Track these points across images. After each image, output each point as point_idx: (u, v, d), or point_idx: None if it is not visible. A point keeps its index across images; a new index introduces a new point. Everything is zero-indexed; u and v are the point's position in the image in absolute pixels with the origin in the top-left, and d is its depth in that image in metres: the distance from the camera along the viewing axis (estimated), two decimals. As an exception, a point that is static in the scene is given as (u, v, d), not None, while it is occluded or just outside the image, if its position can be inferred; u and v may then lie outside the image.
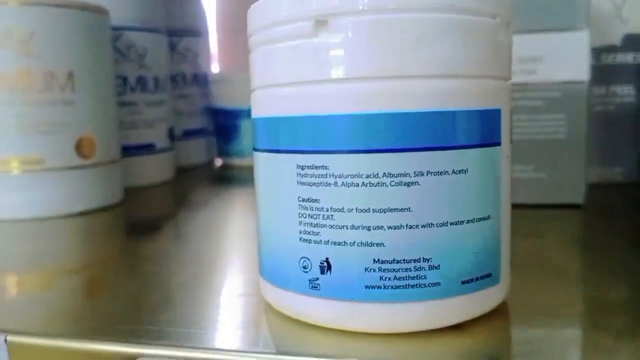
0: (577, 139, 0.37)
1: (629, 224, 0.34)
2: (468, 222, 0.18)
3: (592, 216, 0.36)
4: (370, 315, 0.18)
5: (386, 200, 0.17)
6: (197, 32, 0.65)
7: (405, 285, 0.17)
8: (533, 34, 0.37)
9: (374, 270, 0.17)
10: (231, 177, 0.60)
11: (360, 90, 0.17)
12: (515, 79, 0.37)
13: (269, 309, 0.20)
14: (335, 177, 0.17)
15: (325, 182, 0.17)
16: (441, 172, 0.17)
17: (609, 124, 0.45)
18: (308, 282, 0.18)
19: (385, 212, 0.17)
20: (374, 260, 0.17)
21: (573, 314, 0.20)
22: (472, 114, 0.17)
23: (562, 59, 0.36)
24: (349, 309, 0.18)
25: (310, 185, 0.18)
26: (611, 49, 0.44)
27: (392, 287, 0.17)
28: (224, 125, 0.64)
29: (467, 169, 0.17)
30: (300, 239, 0.18)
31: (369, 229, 0.17)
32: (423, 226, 0.17)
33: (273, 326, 0.19)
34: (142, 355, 0.17)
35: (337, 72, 0.17)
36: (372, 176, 0.17)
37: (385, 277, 0.17)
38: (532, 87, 0.37)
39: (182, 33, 0.62)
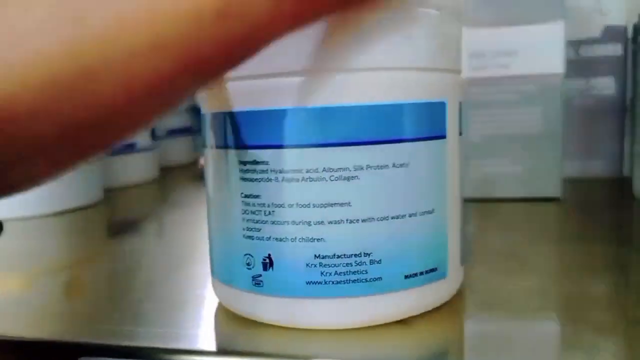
0: (553, 132, 0.36)
1: (606, 218, 0.34)
2: (410, 216, 0.17)
3: (570, 210, 0.36)
4: (313, 312, 0.17)
5: (326, 195, 0.17)
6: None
7: (347, 280, 0.17)
8: (507, 27, 0.36)
9: (315, 266, 0.17)
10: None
11: (299, 84, 0.17)
12: (490, 72, 0.37)
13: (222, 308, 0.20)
14: (276, 172, 0.17)
15: (266, 177, 0.17)
16: (381, 166, 0.17)
17: (589, 117, 0.44)
18: (252, 279, 0.18)
19: (325, 207, 0.17)
20: (315, 255, 0.17)
21: (535, 308, 0.20)
22: (413, 107, 0.17)
23: (537, 51, 0.36)
24: (292, 305, 0.17)
25: (252, 181, 0.17)
26: (590, 41, 0.44)
27: (333, 282, 0.17)
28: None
29: (407, 163, 0.17)
30: (244, 236, 0.18)
31: (309, 224, 0.17)
32: (363, 221, 0.17)
33: (221, 325, 0.19)
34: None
35: (276, 67, 0.17)
36: (311, 171, 0.17)
37: (327, 273, 0.17)
38: (507, 81, 0.37)
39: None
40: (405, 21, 0.17)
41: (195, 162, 0.67)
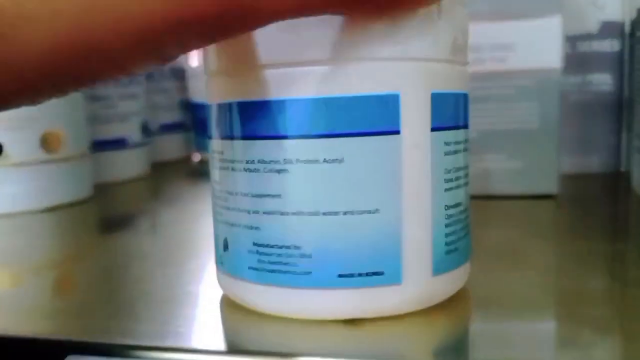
0: (550, 128, 0.36)
1: (604, 213, 0.34)
2: (345, 213, 0.17)
3: (567, 206, 0.35)
4: (253, 295, 0.18)
5: (260, 187, 0.17)
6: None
7: (278, 270, 0.17)
8: (504, 21, 0.36)
9: (254, 253, 0.17)
10: (209, 172, 0.59)
11: (242, 79, 0.17)
12: (487, 67, 0.36)
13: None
14: (227, 162, 0.18)
15: (222, 166, 0.18)
16: (311, 161, 0.16)
17: (585, 113, 0.44)
18: (219, 258, 0.19)
19: (260, 197, 0.17)
20: (253, 243, 0.17)
21: (532, 304, 0.19)
22: (352, 100, 0.16)
23: (534, 46, 0.36)
24: (240, 285, 0.18)
25: (216, 169, 0.19)
26: (587, 36, 0.44)
27: (267, 270, 0.17)
28: (202, 119, 0.63)
29: (342, 158, 0.16)
30: (215, 219, 0.20)
31: (249, 212, 0.17)
32: (293, 214, 0.17)
33: (213, 322, 0.19)
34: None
35: (219, 64, 0.18)
36: (249, 162, 0.17)
37: (262, 260, 0.17)
38: (504, 76, 0.36)
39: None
40: None
41: (188, 158, 0.66)
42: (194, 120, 0.65)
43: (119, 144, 0.51)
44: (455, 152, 0.18)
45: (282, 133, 0.17)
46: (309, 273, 0.17)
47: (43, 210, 0.39)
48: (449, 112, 0.18)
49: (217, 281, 0.20)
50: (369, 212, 0.17)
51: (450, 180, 0.18)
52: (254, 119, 0.17)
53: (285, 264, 0.17)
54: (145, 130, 0.55)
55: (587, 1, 0.43)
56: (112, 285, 0.23)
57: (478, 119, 0.37)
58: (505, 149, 0.37)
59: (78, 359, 0.16)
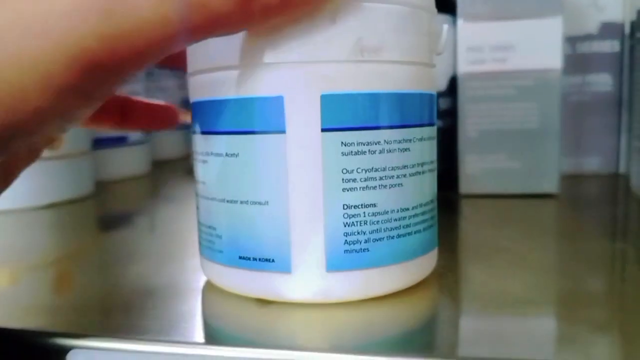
0: (550, 128, 0.36)
1: (603, 214, 0.34)
2: (242, 203, 0.19)
3: (567, 206, 0.35)
4: (205, 270, 0.21)
5: (197, 174, 0.20)
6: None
7: (206, 246, 0.20)
8: (505, 21, 0.36)
9: (199, 230, 0.21)
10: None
11: (190, 84, 0.20)
12: (488, 67, 0.37)
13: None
14: (195, 154, 0.21)
15: (196, 158, 0.21)
16: (218, 154, 0.19)
17: (585, 114, 0.44)
18: None
19: (197, 183, 0.21)
20: (197, 221, 0.21)
21: (531, 304, 0.19)
22: (245, 102, 0.18)
23: (535, 46, 0.36)
24: (201, 260, 0.22)
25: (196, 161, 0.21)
26: (587, 37, 0.44)
27: (203, 246, 0.21)
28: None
29: (237, 154, 0.18)
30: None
31: (196, 195, 0.21)
32: (211, 199, 0.20)
33: (212, 317, 0.19)
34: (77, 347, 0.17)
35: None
36: (197, 153, 0.20)
37: (201, 237, 0.21)
38: (505, 76, 0.36)
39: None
40: None
41: (188, 157, 0.66)
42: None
43: (119, 141, 0.51)
44: (363, 152, 0.18)
45: (205, 129, 0.19)
46: (221, 252, 0.20)
47: (43, 207, 0.39)
48: (351, 113, 0.18)
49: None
50: (260, 203, 0.18)
51: (352, 180, 0.18)
52: (194, 116, 0.20)
53: (210, 241, 0.20)
54: (146, 128, 0.55)
55: (587, 2, 0.43)
56: (112, 282, 0.23)
57: (479, 118, 0.37)
58: (505, 149, 0.37)
59: (81, 354, 0.16)
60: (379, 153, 0.18)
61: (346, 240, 0.18)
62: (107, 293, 0.22)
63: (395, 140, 0.18)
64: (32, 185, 0.39)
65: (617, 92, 0.44)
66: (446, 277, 0.22)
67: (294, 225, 0.18)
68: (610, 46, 0.44)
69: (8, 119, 0.14)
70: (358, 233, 0.18)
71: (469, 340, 0.17)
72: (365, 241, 0.18)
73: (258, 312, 0.19)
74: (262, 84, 0.18)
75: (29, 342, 0.17)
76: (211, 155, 0.19)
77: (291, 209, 0.18)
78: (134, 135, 0.53)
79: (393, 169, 0.19)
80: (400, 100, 0.19)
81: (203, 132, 0.19)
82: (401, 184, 0.19)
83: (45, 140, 0.21)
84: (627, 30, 0.43)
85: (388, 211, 0.19)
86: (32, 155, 0.21)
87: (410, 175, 0.19)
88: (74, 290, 0.23)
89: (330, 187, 0.18)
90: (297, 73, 0.18)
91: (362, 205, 0.18)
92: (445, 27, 0.21)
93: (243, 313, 0.19)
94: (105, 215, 0.40)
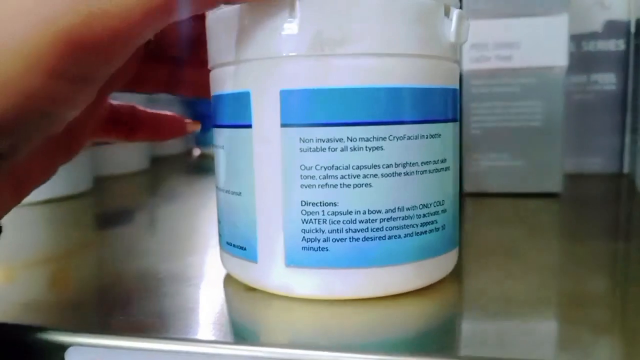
0: (553, 126, 0.36)
1: (607, 214, 0.34)
2: (226, 192, 0.20)
3: (570, 206, 0.35)
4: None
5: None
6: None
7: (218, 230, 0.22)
8: (510, 18, 0.36)
9: None
10: (209, 167, 0.59)
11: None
12: (492, 64, 0.36)
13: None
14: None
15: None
16: (216, 146, 0.21)
17: (589, 113, 0.44)
18: None
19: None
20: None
21: (533, 304, 0.19)
22: (225, 98, 0.19)
23: (539, 44, 0.36)
24: None
25: None
26: (592, 35, 0.43)
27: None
28: (203, 113, 0.63)
29: (223, 146, 0.20)
30: None
31: None
32: (217, 187, 0.21)
33: (213, 315, 0.18)
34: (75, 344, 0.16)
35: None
36: (214, 145, 0.21)
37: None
38: (508, 73, 0.36)
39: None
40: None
41: (188, 153, 0.66)
42: (194, 115, 0.64)
43: (118, 137, 0.51)
44: (322, 149, 0.18)
45: (213, 122, 0.21)
46: (221, 236, 0.21)
47: (41, 203, 0.39)
48: (310, 109, 0.18)
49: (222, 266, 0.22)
50: (237, 193, 0.19)
51: (311, 177, 0.18)
52: (214, 111, 0.21)
53: (219, 226, 0.21)
54: (145, 124, 0.55)
55: (593, 0, 0.43)
56: (111, 280, 0.23)
57: (482, 116, 0.37)
58: (509, 147, 0.36)
59: (80, 351, 0.16)
60: (341, 151, 0.17)
61: (304, 237, 0.18)
62: (105, 290, 0.22)
63: (361, 138, 0.18)
64: (30, 180, 0.39)
65: (621, 91, 0.43)
66: (447, 275, 0.21)
67: (260, 218, 0.19)
68: (615, 45, 0.43)
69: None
70: (316, 231, 0.18)
71: (469, 341, 0.17)
72: (324, 240, 0.18)
73: (246, 300, 0.19)
74: (233, 81, 0.19)
75: (27, 338, 0.17)
76: (217, 146, 0.21)
77: (257, 202, 0.19)
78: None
79: (359, 167, 0.18)
80: (369, 95, 0.18)
81: (213, 125, 0.21)
82: (369, 185, 0.18)
83: (52, 146, 0.21)
84: (632, 29, 0.43)
85: (351, 212, 0.18)
86: (46, 171, 0.21)
87: (383, 175, 0.18)
88: (72, 287, 0.23)
89: (289, 182, 0.18)
90: (260, 69, 0.18)
91: (320, 203, 0.18)
92: (456, 12, 0.19)
93: (240, 305, 0.19)
94: (103, 212, 0.40)
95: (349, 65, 0.17)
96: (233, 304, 0.20)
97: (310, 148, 0.18)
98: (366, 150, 0.18)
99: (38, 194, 0.39)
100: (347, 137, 0.17)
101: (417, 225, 0.19)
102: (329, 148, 0.17)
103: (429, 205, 0.19)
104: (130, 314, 0.18)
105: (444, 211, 0.19)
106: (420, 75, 0.18)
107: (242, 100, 0.19)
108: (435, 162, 0.19)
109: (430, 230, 0.19)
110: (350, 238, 0.18)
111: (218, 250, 0.22)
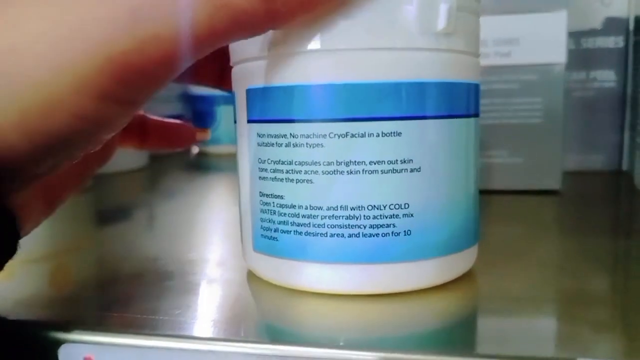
0: (553, 123, 0.36)
1: (606, 211, 0.34)
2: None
3: (569, 203, 0.35)
4: None
5: None
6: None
7: None
8: (509, 14, 0.35)
9: None
10: (207, 165, 0.59)
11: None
12: (491, 61, 0.36)
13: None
14: None
15: None
16: None
17: (589, 110, 0.44)
18: None
19: None
20: None
21: (532, 302, 0.19)
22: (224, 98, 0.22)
23: (539, 40, 0.35)
24: None
25: None
26: (592, 32, 0.43)
27: None
28: (200, 111, 0.63)
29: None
30: None
31: None
32: None
33: (210, 312, 0.18)
34: (67, 341, 0.16)
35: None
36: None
37: None
38: (508, 70, 0.36)
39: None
40: None
41: (186, 151, 0.66)
42: (193, 113, 0.64)
43: (117, 134, 0.50)
44: (271, 144, 0.18)
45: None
46: None
47: (39, 200, 0.39)
48: (264, 106, 0.18)
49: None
50: (239, 183, 0.21)
51: (265, 170, 0.19)
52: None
53: None
54: (144, 121, 0.54)
55: (592, -3, 0.43)
56: (108, 277, 0.23)
57: (481, 113, 0.36)
58: (508, 144, 0.36)
59: (73, 347, 0.16)
60: (285, 146, 0.18)
61: (262, 226, 0.19)
62: (102, 286, 0.22)
63: (302, 135, 0.18)
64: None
65: (620, 89, 0.43)
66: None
67: (242, 205, 0.21)
68: (615, 42, 0.43)
69: (45, 125, 0.14)
70: (269, 221, 0.19)
71: (473, 338, 0.17)
72: (275, 230, 0.19)
73: (246, 297, 0.20)
74: (232, 83, 0.20)
75: (19, 334, 0.17)
76: None
77: (241, 190, 0.20)
78: (132, 128, 0.52)
79: (300, 163, 0.18)
80: (308, 92, 0.17)
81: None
82: (310, 181, 0.18)
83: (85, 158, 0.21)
84: (631, 26, 0.42)
85: (295, 205, 0.18)
86: (78, 182, 0.22)
87: (324, 172, 0.17)
88: (69, 283, 0.22)
89: (252, 174, 0.19)
90: (237, 71, 0.20)
91: (272, 195, 0.19)
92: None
93: (240, 302, 0.19)
94: (102, 209, 0.39)
95: (291, 63, 0.18)
96: (232, 302, 0.19)
97: (264, 143, 0.19)
98: (307, 146, 0.18)
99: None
100: (290, 134, 0.18)
101: (364, 227, 0.18)
102: (276, 143, 0.18)
103: (382, 207, 0.18)
104: (127, 311, 0.18)
105: (407, 215, 0.18)
106: (370, 68, 0.17)
107: (233, 99, 0.20)
108: (391, 162, 0.17)
109: (384, 234, 0.18)
110: (294, 231, 0.18)
111: (217, 248, 0.22)
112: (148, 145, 0.26)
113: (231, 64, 0.20)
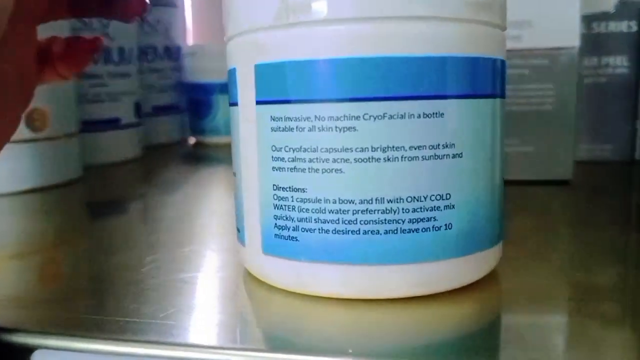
0: (566, 110, 0.34)
1: (618, 202, 0.32)
2: (234, 174, 0.19)
3: (581, 193, 0.33)
4: None
5: None
6: (169, 2, 0.62)
7: None
8: (519, -4, 0.34)
9: None
10: (204, 156, 0.57)
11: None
12: (500, 45, 0.34)
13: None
14: None
15: None
16: None
17: (600, 97, 0.42)
18: None
19: None
20: None
21: (543, 296, 0.17)
22: (228, 74, 0.18)
23: (551, 24, 0.34)
24: None
25: None
26: (604, 16, 0.41)
27: None
28: (197, 100, 0.61)
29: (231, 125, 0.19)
30: None
31: None
32: None
33: (202, 315, 0.17)
34: (42, 346, 0.14)
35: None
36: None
37: None
38: (518, 54, 0.34)
39: (152, 3, 0.59)
40: None
41: (182, 141, 0.64)
42: (189, 102, 0.62)
43: (110, 124, 0.49)
44: (291, 129, 0.16)
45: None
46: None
47: (27, 192, 0.37)
48: (280, 84, 0.16)
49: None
50: (234, 174, 0.19)
51: (281, 159, 0.16)
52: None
53: None
54: (138, 111, 0.53)
55: (604, -21, 0.41)
56: (97, 273, 0.21)
57: (490, 100, 0.35)
58: (519, 132, 0.35)
59: (47, 355, 0.14)
60: (309, 131, 0.16)
61: (276, 224, 0.17)
62: (91, 285, 0.20)
63: (331, 117, 0.15)
64: (15, 169, 0.37)
65: (634, 75, 0.42)
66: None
67: (245, 201, 0.18)
68: (628, 26, 0.41)
69: None
70: (286, 218, 0.16)
71: (477, 333, 0.15)
72: (294, 229, 0.16)
73: (240, 299, 0.18)
74: (228, 57, 0.18)
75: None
76: None
77: (243, 184, 0.18)
78: (125, 117, 0.50)
79: (327, 150, 0.16)
80: (338, 67, 0.15)
81: None
82: (340, 170, 0.16)
83: None
84: (645, 9, 0.41)
85: (320, 200, 0.16)
86: (9, 124, 0.20)
87: (356, 160, 0.15)
88: (57, 281, 0.21)
89: (263, 164, 0.17)
90: (242, 43, 0.17)
91: (290, 188, 0.16)
92: None
93: (234, 305, 0.17)
94: (94, 201, 0.38)
95: (316, 34, 0.15)
96: (227, 304, 0.18)
97: (280, 127, 0.16)
98: (336, 130, 0.15)
99: (25, 183, 0.37)
100: (315, 116, 0.15)
101: (402, 222, 0.16)
102: (296, 128, 0.16)
103: (422, 199, 0.16)
104: (108, 314, 0.17)
105: (448, 207, 0.16)
106: (405, 41, 0.15)
107: (232, 77, 0.18)
108: (433, 147, 0.16)
109: (425, 229, 0.16)
110: (319, 229, 0.16)
111: (212, 243, 0.20)
112: (65, 65, 0.24)
113: (226, 36, 0.18)
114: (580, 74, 0.41)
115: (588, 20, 0.41)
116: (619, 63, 0.42)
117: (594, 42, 0.42)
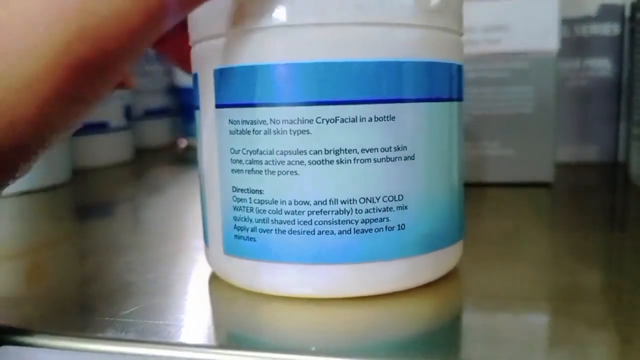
0: (545, 113, 0.34)
1: (600, 204, 0.32)
2: (199, 175, 0.20)
3: (562, 195, 0.34)
4: None
5: None
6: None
7: None
8: (499, 0, 0.34)
9: None
10: (196, 159, 0.57)
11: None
12: (480, 48, 0.35)
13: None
14: None
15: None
16: None
17: (583, 100, 0.42)
18: None
19: None
20: None
21: (525, 298, 0.18)
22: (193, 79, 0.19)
23: (530, 27, 0.34)
24: None
25: None
26: (586, 19, 0.42)
27: None
28: (189, 104, 0.61)
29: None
30: None
31: None
32: None
33: (191, 316, 0.17)
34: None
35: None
36: None
37: None
38: (498, 58, 0.34)
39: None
40: None
41: (173, 145, 0.64)
42: (180, 105, 0.63)
43: (98, 128, 0.49)
44: (247, 132, 0.16)
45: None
46: None
47: (15, 195, 0.38)
48: (238, 88, 0.16)
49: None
50: (200, 176, 0.19)
51: (239, 161, 0.17)
52: None
53: None
54: (128, 114, 0.53)
55: (586, -18, 0.41)
56: (85, 276, 0.22)
57: (471, 103, 0.35)
58: (499, 135, 0.35)
59: (12, 351, 0.14)
60: (265, 134, 0.16)
61: (236, 225, 0.17)
62: (78, 288, 0.20)
63: (285, 120, 0.16)
64: (3, 172, 0.37)
65: (616, 77, 0.42)
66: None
67: (208, 202, 0.18)
68: (610, 29, 0.42)
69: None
70: (245, 220, 0.17)
71: (464, 337, 0.16)
72: (252, 230, 0.17)
73: (229, 301, 0.18)
74: (193, 63, 0.18)
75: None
76: None
77: (206, 186, 0.18)
78: (116, 121, 0.51)
79: (283, 153, 0.16)
80: (296, 71, 0.16)
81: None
82: (295, 172, 0.16)
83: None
84: (627, 12, 0.41)
85: (277, 201, 0.16)
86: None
87: (310, 163, 0.16)
88: (44, 283, 0.21)
89: (223, 167, 0.17)
90: (200, 50, 0.18)
91: (248, 190, 0.17)
92: None
93: (221, 306, 0.17)
94: (82, 204, 0.38)
95: (271, 39, 0.16)
96: (198, 303, 0.18)
97: (237, 130, 0.17)
98: (291, 133, 0.16)
99: (13, 186, 0.38)
100: (270, 119, 0.16)
101: (355, 222, 0.16)
102: (253, 131, 0.16)
103: (375, 200, 0.16)
104: (90, 313, 0.17)
105: (401, 208, 0.16)
106: (359, 47, 0.16)
107: (195, 82, 0.18)
108: (385, 150, 0.16)
109: (378, 229, 0.16)
110: (276, 230, 0.16)
111: (190, 244, 0.20)
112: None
113: (190, 42, 0.18)
114: (564, 76, 0.42)
115: (570, 23, 0.42)
116: (601, 66, 0.42)
117: (577, 44, 0.42)
